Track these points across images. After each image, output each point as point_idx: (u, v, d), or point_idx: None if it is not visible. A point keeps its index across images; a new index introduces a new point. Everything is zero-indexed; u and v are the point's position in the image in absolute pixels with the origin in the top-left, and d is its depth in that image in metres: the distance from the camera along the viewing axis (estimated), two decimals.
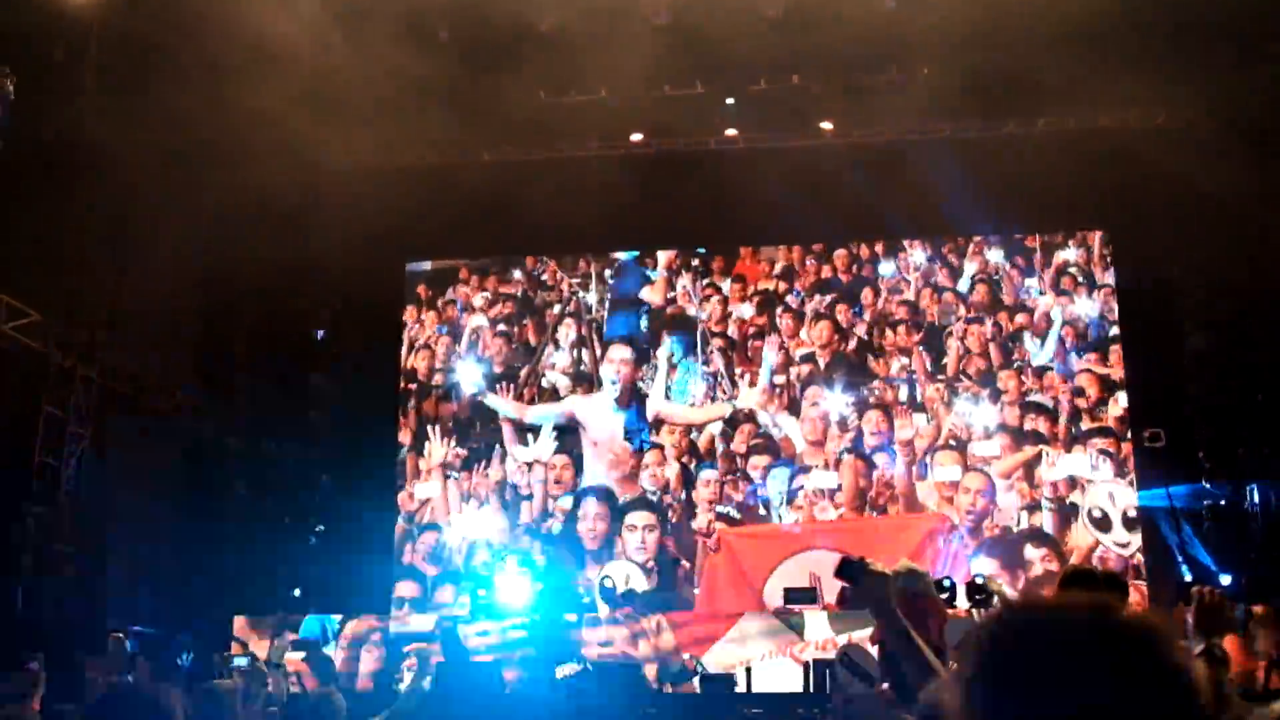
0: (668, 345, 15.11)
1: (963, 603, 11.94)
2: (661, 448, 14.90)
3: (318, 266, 14.93)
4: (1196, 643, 3.58)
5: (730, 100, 14.49)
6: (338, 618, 13.05)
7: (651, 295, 15.60)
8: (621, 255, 15.80)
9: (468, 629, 12.06)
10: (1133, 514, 13.79)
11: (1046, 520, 14.02)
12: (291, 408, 15.53)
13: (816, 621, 11.17)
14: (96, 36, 11.88)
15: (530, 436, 15.18)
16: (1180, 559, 13.27)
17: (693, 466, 14.80)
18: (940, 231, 15.18)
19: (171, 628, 12.71)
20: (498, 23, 12.64)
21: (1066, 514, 13.97)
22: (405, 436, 15.49)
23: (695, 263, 15.66)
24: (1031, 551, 13.80)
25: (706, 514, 14.43)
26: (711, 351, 15.22)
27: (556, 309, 15.70)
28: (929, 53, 12.97)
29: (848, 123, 14.67)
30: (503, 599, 13.18)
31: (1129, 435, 14.09)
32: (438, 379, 15.66)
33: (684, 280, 15.58)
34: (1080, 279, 14.88)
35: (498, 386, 15.40)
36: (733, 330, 15.29)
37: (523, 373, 15.47)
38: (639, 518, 14.50)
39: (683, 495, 14.68)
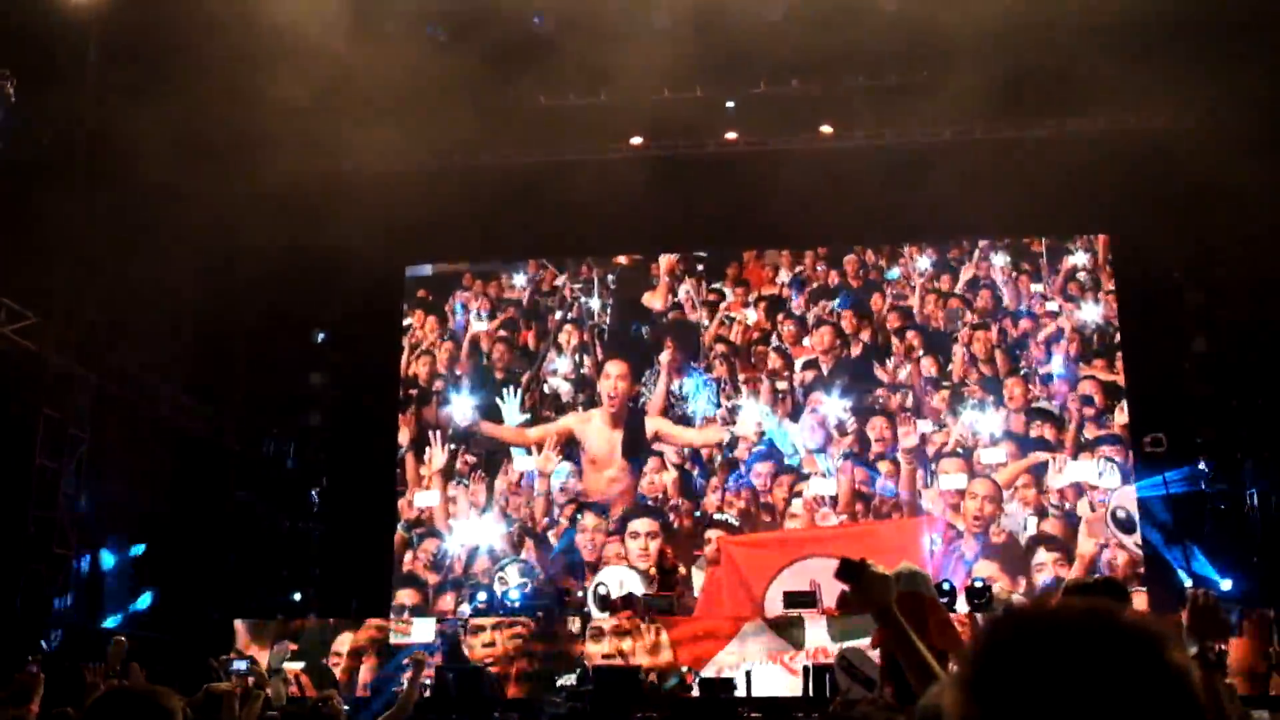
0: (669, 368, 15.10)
1: (963, 606, 11.94)
2: (661, 455, 14.90)
3: (317, 270, 14.92)
4: (1190, 646, 3.58)
5: (730, 104, 14.51)
6: (336, 624, 13.01)
7: (653, 301, 15.59)
8: (623, 260, 15.80)
9: (468, 636, 12.04)
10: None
11: (1054, 526, 14.03)
12: (291, 410, 15.53)
13: (816, 631, 11.16)
14: (96, 40, 11.89)
15: (533, 445, 15.20)
16: (1180, 564, 13.25)
17: (694, 474, 14.80)
18: (946, 235, 15.18)
19: (171, 630, 12.70)
20: (499, 27, 12.66)
21: (1074, 520, 13.99)
22: (404, 438, 15.48)
23: (700, 268, 15.67)
24: (1043, 555, 13.85)
25: (711, 526, 14.46)
26: (714, 357, 15.20)
27: (558, 315, 15.70)
28: (932, 57, 12.98)
29: (849, 125, 14.68)
30: (503, 606, 13.16)
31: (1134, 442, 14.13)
32: (438, 385, 15.65)
33: (686, 285, 15.57)
34: (1088, 285, 14.88)
35: (502, 391, 15.38)
36: (735, 335, 15.28)
37: (524, 378, 15.46)
38: (641, 525, 14.53)
39: (681, 502, 14.68)
